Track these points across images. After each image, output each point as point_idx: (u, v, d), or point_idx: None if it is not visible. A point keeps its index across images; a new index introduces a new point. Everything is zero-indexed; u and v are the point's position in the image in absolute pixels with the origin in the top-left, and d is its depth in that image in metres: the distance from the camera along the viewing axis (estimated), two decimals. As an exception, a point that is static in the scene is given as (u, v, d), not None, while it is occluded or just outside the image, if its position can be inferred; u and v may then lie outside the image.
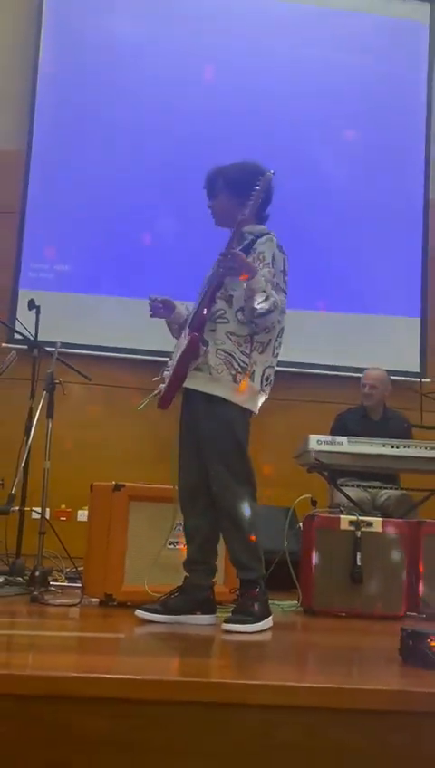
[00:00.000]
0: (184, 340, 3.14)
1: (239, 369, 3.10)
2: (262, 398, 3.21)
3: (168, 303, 3.38)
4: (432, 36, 7.12)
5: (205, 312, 3.13)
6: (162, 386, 3.24)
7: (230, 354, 3.10)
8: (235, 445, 3.11)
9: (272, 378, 3.24)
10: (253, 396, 3.16)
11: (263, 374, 3.18)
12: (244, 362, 3.11)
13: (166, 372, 3.25)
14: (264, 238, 3.19)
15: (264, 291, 3.02)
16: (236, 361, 3.10)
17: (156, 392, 3.28)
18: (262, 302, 3.00)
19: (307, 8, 6.96)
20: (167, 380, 3.21)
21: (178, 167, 6.28)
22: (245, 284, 3.03)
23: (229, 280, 3.10)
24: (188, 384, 3.14)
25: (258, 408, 3.21)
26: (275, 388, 3.32)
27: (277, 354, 3.26)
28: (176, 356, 3.21)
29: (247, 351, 3.13)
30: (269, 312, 3.04)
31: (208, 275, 3.30)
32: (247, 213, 3.08)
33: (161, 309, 3.37)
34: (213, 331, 3.12)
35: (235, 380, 3.09)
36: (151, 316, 3.42)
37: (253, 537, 3.10)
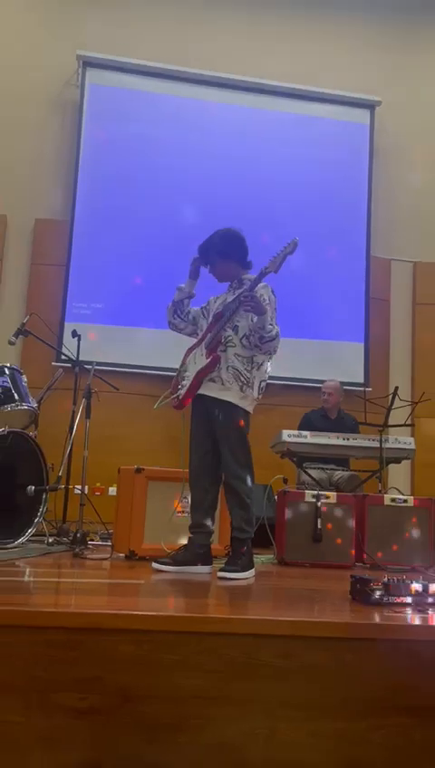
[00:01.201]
0: (202, 358, 3.15)
1: (244, 382, 3.11)
2: (256, 403, 3.22)
3: (196, 265, 3.36)
4: (371, 133, 7.13)
5: (220, 339, 3.13)
6: (181, 391, 3.22)
7: (237, 370, 3.11)
8: (240, 438, 3.11)
9: (264, 388, 3.23)
10: (252, 402, 3.16)
11: (259, 385, 3.19)
12: (247, 377, 3.12)
13: (184, 382, 3.23)
14: (262, 284, 3.16)
15: (270, 324, 3.06)
16: (242, 376, 3.11)
17: (173, 395, 3.27)
18: (269, 332, 3.04)
19: (284, 115, 6.99)
20: (185, 389, 3.19)
21: (183, 229, 6.27)
22: (255, 319, 3.04)
23: (237, 313, 3.12)
24: (203, 391, 3.13)
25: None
26: (258, 395, 3.31)
27: (268, 371, 3.26)
28: (191, 369, 3.21)
29: (249, 368, 3.14)
30: (273, 339, 3.07)
31: (215, 308, 3.30)
32: (271, 268, 3.09)
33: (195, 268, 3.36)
34: (224, 351, 3.12)
35: (241, 390, 3.10)
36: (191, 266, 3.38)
37: (249, 508, 3.11)
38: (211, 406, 3.11)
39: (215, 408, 3.10)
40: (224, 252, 3.24)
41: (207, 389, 3.12)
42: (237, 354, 3.12)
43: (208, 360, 3.11)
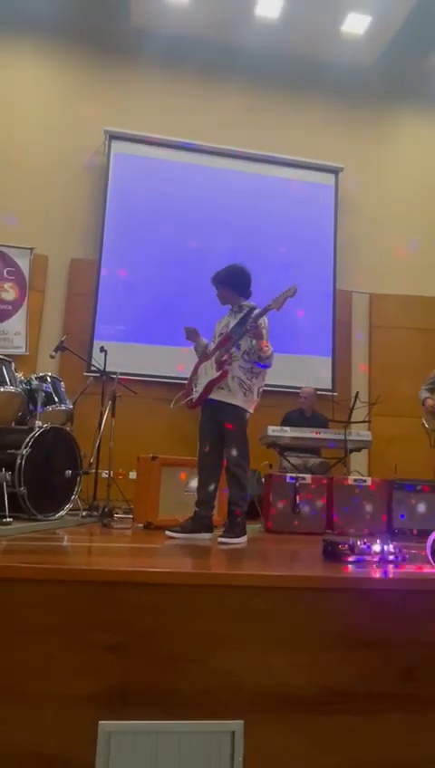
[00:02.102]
0: (213, 371, 3.16)
1: (247, 389, 3.15)
2: (255, 404, 3.24)
3: (193, 332, 3.37)
4: (335, 192, 7.14)
5: (227, 356, 3.14)
6: (194, 395, 3.24)
7: (241, 380, 3.14)
8: (242, 434, 3.13)
9: (262, 392, 3.26)
10: (252, 404, 3.19)
11: (258, 391, 3.22)
12: (248, 384, 3.15)
13: (197, 388, 3.24)
14: (258, 311, 3.20)
15: (268, 347, 3.12)
16: (245, 384, 3.14)
17: (188, 398, 3.29)
18: (266, 353, 3.10)
19: (268, 177, 6.99)
20: (198, 394, 3.21)
21: (187, 268, 6.31)
22: (255, 341, 3.09)
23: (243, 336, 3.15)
24: (214, 396, 3.15)
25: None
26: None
27: (265, 379, 3.28)
28: (202, 379, 3.22)
29: (250, 378, 3.17)
30: (270, 358, 3.13)
31: (220, 329, 3.32)
32: (274, 306, 3.13)
33: (192, 334, 3.36)
34: (230, 365, 3.13)
35: (245, 395, 3.13)
36: (186, 339, 3.39)
37: (245, 488, 3.13)
38: (220, 408, 3.13)
39: (224, 409, 3.12)
40: (230, 282, 3.27)
41: (218, 395, 3.14)
42: (241, 366, 3.15)
43: (219, 373, 3.13)
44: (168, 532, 3.07)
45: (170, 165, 6.84)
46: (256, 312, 3.15)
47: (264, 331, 3.13)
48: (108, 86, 6.89)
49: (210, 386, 3.15)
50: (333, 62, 7.16)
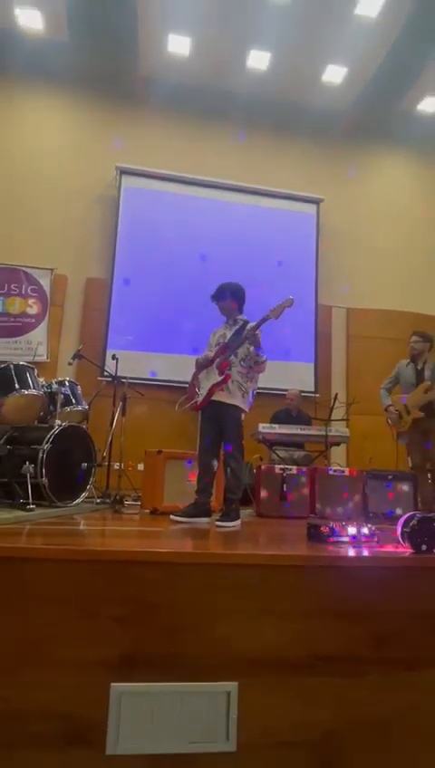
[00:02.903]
0: (216, 376, 3.14)
1: (244, 391, 3.15)
2: (250, 404, 3.23)
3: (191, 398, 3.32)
4: (317, 220, 7.16)
5: (227, 362, 3.13)
6: (198, 398, 3.22)
7: (239, 383, 3.13)
8: (239, 430, 3.13)
9: (255, 394, 3.25)
10: (248, 404, 3.19)
11: (252, 393, 3.22)
12: (246, 387, 3.16)
13: (201, 391, 3.22)
14: (252, 324, 3.19)
15: (262, 353, 3.11)
16: (242, 387, 3.14)
17: (192, 401, 3.28)
18: (262, 358, 3.11)
19: (259, 207, 7.01)
20: (202, 396, 3.19)
21: (186, 286, 6.31)
22: (252, 349, 3.08)
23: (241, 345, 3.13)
24: (215, 398, 3.14)
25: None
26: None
27: (257, 383, 3.28)
28: (205, 383, 3.20)
29: (247, 381, 3.17)
30: (264, 363, 3.14)
31: (217, 339, 3.29)
32: (272, 315, 3.09)
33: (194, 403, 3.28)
34: (230, 370, 3.13)
35: (243, 397, 3.13)
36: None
37: (240, 479, 3.13)
38: (221, 407, 3.12)
39: (224, 409, 3.11)
40: (233, 294, 3.27)
41: (219, 397, 3.14)
42: (239, 372, 3.14)
43: (222, 377, 3.12)
44: (172, 517, 3.05)
45: (173, 196, 6.86)
46: (256, 321, 3.13)
47: (259, 339, 3.12)
48: (119, 128, 6.91)
49: (213, 389, 3.14)
50: (314, 107, 7.21)
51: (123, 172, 6.75)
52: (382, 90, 6.97)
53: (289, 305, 3.10)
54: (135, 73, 6.91)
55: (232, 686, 1.60)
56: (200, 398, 3.20)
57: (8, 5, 6.12)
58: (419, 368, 4.37)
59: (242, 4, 5.83)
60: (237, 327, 3.21)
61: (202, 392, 3.20)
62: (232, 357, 3.14)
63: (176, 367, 5.94)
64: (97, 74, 6.83)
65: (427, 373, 4.30)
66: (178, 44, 6.46)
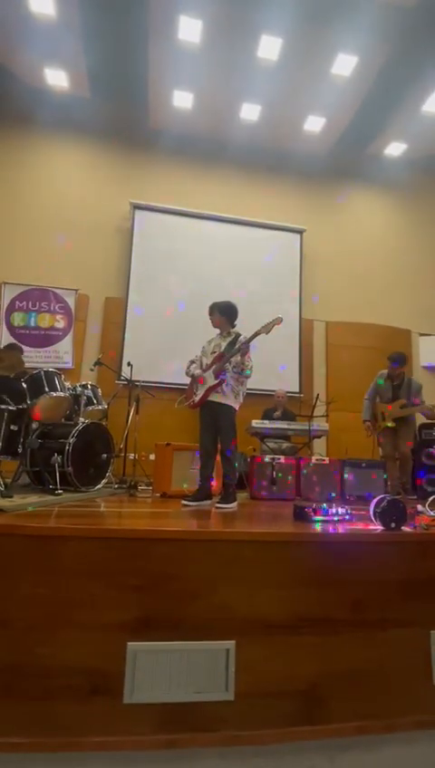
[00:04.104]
0: (211, 380, 3.12)
1: (236, 393, 3.14)
2: (240, 404, 3.21)
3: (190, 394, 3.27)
4: (300, 247, 7.12)
5: (224, 369, 3.12)
6: (195, 398, 3.19)
7: (231, 386, 3.12)
8: (232, 427, 3.11)
9: (245, 395, 3.23)
10: (239, 403, 3.17)
11: (242, 394, 3.20)
12: (237, 390, 3.14)
13: (198, 392, 3.20)
14: (243, 336, 3.19)
15: (248, 362, 3.09)
16: (234, 389, 3.13)
17: (190, 400, 3.26)
18: (249, 365, 3.09)
19: (251, 236, 6.98)
20: (199, 396, 3.17)
21: (190, 302, 6.27)
22: (240, 357, 3.05)
23: (234, 354, 3.11)
24: (211, 399, 3.12)
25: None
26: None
27: (246, 385, 3.25)
28: (202, 386, 3.17)
29: (238, 384, 3.16)
30: (251, 369, 3.12)
31: (211, 348, 3.26)
32: (263, 331, 3.05)
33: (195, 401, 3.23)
34: (224, 375, 3.12)
35: (235, 398, 3.12)
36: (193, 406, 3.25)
37: (234, 466, 3.10)
38: (216, 407, 3.11)
39: (218, 408, 3.10)
40: (224, 312, 3.26)
41: (214, 398, 3.12)
42: (231, 377, 3.13)
43: (217, 381, 3.11)
44: (183, 502, 3.03)
45: (179, 227, 6.83)
46: (249, 336, 3.12)
47: (248, 352, 3.12)
48: (133, 170, 6.91)
49: (209, 390, 3.14)
50: (298, 151, 7.23)
51: (136, 207, 6.75)
52: (356, 136, 6.99)
53: (278, 323, 3.08)
54: (146, 124, 6.92)
55: (230, 644, 1.60)
56: (197, 398, 3.19)
57: (38, 66, 6.14)
58: (395, 383, 4.39)
59: (235, 64, 5.85)
60: (230, 339, 3.20)
61: (200, 393, 3.19)
62: (227, 364, 3.13)
63: (183, 372, 5.91)
64: (114, 125, 6.84)
65: (403, 390, 4.32)
66: (182, 99, 6.47)
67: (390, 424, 4.24)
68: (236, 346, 3.11)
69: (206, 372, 3.23)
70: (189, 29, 5.39)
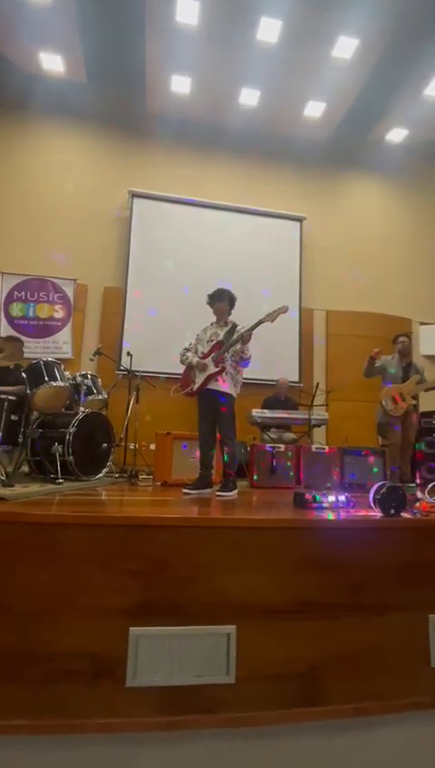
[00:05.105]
0: (211, 368, 3.10)
1: (235, 381, 3.13)
2: (238, 391, 3.20)
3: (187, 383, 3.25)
4: (300, 234, 7.04)
5: (221, 357, 3.10)
6: (194, 386, 3.17)
7: (231, 374, 3.10)
8: (232, 415, 3.10)
9: (242, 383, 3.22)
10: (237, 391, 3.16)
11: (241, 382, 3.19)
12: (236, 378, 3.13)
13: (196, 380, 3.17)
14: (241, 326, 3.16)
15: (248, 350, 3.06)
16: (233, 378, 3.11)
17: (187, 388, 3.24)
18: (247, 353, 3.07)
19: (247, 224, 6.88)
20: (197, 385, 3.15)
21: (188, 291, 6.23)
22: (241, 346, 3.03)
23: (235, 342, 3.08)
24: (210, 387, 3.11)
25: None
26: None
27: (243, 373, 3.24)
28: (201, 374, 3.15)
29: (236, 373, 3.15)
30: (249, 359, 3.10)
31: (208, 336, 3.23)
32: (268, 319, 3.03)
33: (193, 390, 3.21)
34: (223, 363, 3.10)
35: (234, 386, 3.11)
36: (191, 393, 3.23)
37: (234, 455, 3.10)
38: (215, 395, 3.10)
39: (218, 396, 3.08)
40: (231, 301, 3.25)
41: (213, 386, 3.11)
42: (230, 365, 3.11)
43: (217, 369, 3.09)
44: (184, 490, 3.04)
45: (178, 215, 6.76)
46: (253, 324, 3.08)
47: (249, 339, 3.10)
48: (131, 158, 6.81)
49: (208, 378, 3.12)
50: (297, 138, 7.11)
51: (135, 195, 6.66)
52: (356, 122, 6.87)
53: (284, 312, 3.04)
54: (143, 110, 6.80)
55: (231, 628, 1.61)
56: (196, 386, 3.17)
57: (33, 51, 6.01)
58: (403, 365, 4.37)
59: (234, 48, 5.72)
60: (228, 328, 3.18)
61: (198, 381, 3.17)
62: (226, 352, 3.11)
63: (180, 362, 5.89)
64: (111, 111, 6.72)
65: (414, 369, 4.32)
66: (180, 84, 6.34)
67: (411, 402, 4.23)
68: (237, 335, 3.08)
69: (205, 360, 3.21)
70: (187, 11, 5.27)
